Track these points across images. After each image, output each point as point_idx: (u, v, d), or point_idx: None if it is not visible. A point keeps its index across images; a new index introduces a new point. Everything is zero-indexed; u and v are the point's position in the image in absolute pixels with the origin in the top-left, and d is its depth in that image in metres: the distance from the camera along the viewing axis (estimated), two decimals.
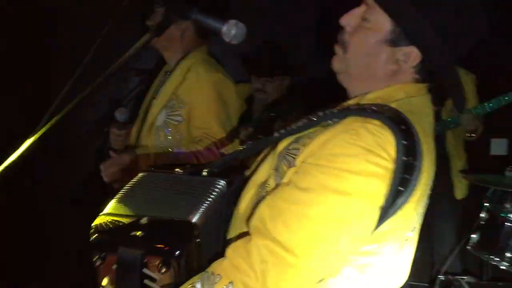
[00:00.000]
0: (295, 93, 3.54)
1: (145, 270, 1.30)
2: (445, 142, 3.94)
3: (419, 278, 3.86)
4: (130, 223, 1.36)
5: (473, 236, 3.20)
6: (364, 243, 1.31)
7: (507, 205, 3.02)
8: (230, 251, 1.31)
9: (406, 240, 1.41)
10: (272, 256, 1.22)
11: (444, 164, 3.92)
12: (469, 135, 3.89)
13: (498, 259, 3.05)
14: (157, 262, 1.30)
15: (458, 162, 3.97)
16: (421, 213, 1.43)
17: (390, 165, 1.25)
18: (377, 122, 1.27)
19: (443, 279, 3.27)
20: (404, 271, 1.48)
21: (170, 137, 2.58)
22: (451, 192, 3.90)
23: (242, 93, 3.04)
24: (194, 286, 1.29)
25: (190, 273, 1.33)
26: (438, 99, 3.82)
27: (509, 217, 3.06)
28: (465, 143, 4.06)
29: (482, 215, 3.21)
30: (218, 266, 1.30)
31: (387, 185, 1.25)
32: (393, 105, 1.36)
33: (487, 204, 3.19)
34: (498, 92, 3.71)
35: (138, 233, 1.33)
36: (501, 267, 3.05)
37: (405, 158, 1.26)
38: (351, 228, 1.25)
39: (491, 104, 3.69)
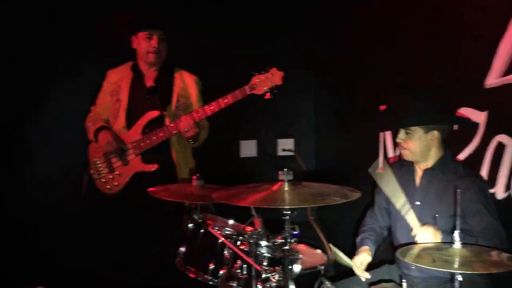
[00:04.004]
0: None
1: None
2: (170, 149, 3.73)
3: None
4: None
5: (181, 249, 2.96)
6: None
7: (196, 216, 2.82)
8: None
9: None
10: None
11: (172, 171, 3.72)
12: (191, 141, 3.71)
13: (202, 272, 2.83)
14: None
15: (184, 169, 3.77)
16: None
17: None
18: None
19: None
20: None
21: None
22: None
23: None
24: None
25: None
26: (161, 105, 3.66)
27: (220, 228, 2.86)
28: (193, 150, 3.90)
29: (190, 225, 2.98)
30: None
31: None
32: None
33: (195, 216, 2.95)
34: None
35: None
36: (204, 281, 2.83)
37: None
38: None
39: None
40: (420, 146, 2.84)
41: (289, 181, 2.35)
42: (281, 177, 2.36)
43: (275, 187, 2.34)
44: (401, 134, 2.87)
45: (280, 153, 4.92)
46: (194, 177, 2.92)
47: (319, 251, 3.03)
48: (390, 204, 3.02)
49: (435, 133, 2.82)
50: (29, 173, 4.27)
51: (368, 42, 4.10)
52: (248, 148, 4.88)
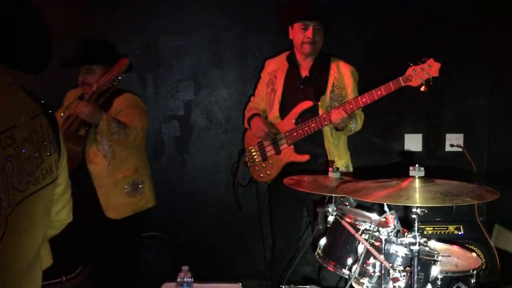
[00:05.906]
0: None
1: None
2: (323, 140, 3.69)
3: None
4: None
5: (322, 241, 2.93)
6: None
7: (331, 209, 2.76)
8: None
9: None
10: None
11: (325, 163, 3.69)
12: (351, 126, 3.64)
13: (339, 266, 2.78)
14: None
15: (337, 161, 3.70)
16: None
17: None
18: None
19: None
20: None
21: None
22: None
23: None
24: None
25: None
26: (315, 95, 3.64)
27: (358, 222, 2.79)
28: (349, 142, 3.83)
29: (330, 218, 2.94)
30: None
31: None
32: None
33: (329, 208, 2.90)
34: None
35: None
36: (343, 275, 2.77)
37: None
38: None
39: None
40: None
41: (420, 177, 2.20)
42: (411, 173, 2.22)
43: (404, 184, 2.22)
44: None
45: (448, 148, 4.64)
46: (330, 168, 2.87)
47: (474, 254, 2.82)
48: None
49: None
50: (193, 161, 4.55)
51: None
52: (413, 142, 4.66)
